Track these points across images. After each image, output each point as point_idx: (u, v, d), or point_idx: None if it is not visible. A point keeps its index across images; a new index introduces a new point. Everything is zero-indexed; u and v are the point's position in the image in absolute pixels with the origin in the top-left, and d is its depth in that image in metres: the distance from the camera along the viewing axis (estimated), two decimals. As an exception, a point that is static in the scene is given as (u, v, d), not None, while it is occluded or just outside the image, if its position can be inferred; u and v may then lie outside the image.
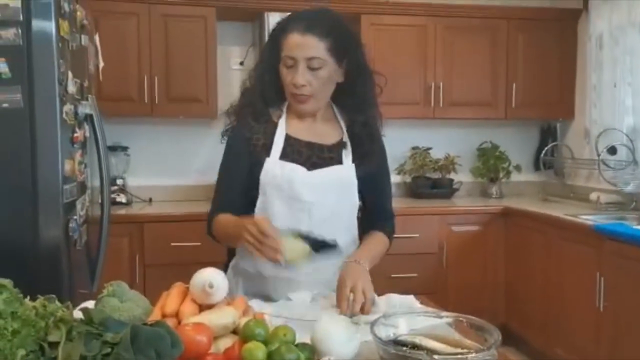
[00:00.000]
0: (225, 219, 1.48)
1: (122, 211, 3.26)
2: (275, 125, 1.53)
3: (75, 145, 2.14)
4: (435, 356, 0.95)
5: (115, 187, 3.41)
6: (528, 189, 4.18)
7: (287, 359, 0.96)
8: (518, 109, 3.83)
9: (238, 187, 1.53)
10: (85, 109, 2.25)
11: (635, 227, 2.86)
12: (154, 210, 3.37)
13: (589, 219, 2.98)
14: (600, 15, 3.55)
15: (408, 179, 4.00)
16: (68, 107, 2.07)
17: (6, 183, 1.95)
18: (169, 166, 3.75)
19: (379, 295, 1.42)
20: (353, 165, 1.54)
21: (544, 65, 3.83)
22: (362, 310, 1.31)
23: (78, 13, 2.24)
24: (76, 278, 2.16)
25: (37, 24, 1.92)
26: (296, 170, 1.48)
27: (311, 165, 1.50)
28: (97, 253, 2.38)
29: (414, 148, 4.00)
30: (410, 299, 1.44)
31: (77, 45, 2.22)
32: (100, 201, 2.38)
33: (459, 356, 0.98)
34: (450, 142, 4.06)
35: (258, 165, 1.50)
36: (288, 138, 1.52)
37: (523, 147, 4.19)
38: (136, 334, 0.83)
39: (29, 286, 0.99)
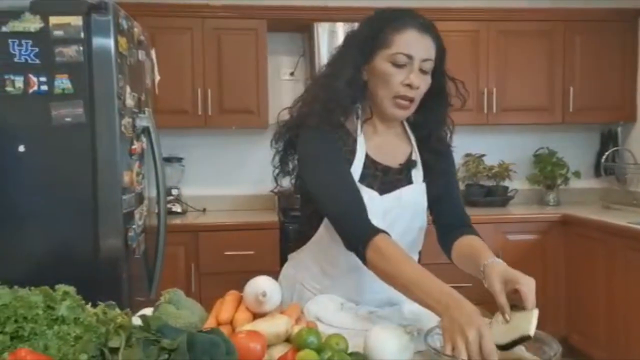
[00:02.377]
0: (418, 272, 1.17)
1: (178, 220, 3.34)
2: (354, 140, 1.38)
3: (133, 157, 2.22)
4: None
5: (171, 197, 3.50)
6: (588, 196, 4.01)
7: (340, 368, 0.95)
8: (576, 113, 3.70)
9: (357, 187, 1.33)
10: (142, 121, 2.33)
11: None
12: (208, 220, 3.44)
13: (655, 227, 2.84)
14: (663, 13, 3.40)
15: (461, 187, 3.92)
16: (126, 120, 2.14)
17: (69, 194, 2.04)
18: (222, 176, 3.82)
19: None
20: (424, 184, 1.43)
21: (602, 67, 3.68)
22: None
23: (135, 30, 2.32)
24: (135, 285, 2.22)
25: (97, 41, 2.01)
26: (372, 197, 1.35)
27: (381, 188, 1.38)
28: (154, 261, 2.44)
29: (467, 155, 3.92)
30: None
31: (134, 60, 2.29)
32: (156, 211, 2.45)
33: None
34: (504, 149, 3.96)
35: None
36: (366, 158, 1.38)
37: (582, 152, 4.03)
38: (192, 341, 0.85)
39: (91, 293, 1.02)
